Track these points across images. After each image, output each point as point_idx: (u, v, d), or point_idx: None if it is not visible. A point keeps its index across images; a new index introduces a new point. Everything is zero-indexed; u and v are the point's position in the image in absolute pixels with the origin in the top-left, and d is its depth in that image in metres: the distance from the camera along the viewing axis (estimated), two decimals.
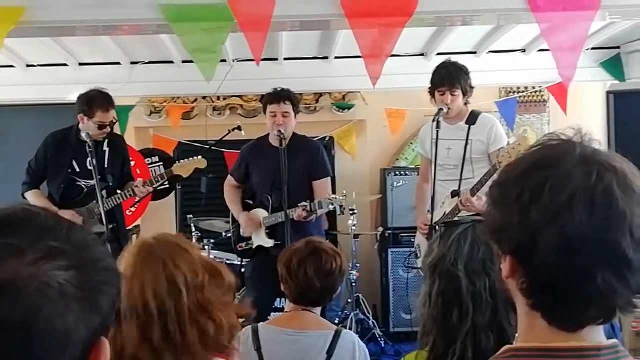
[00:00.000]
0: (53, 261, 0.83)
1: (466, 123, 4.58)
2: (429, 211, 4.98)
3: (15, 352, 0.79)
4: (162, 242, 1.94)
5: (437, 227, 4.58)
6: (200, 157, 5.30)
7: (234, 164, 5.60)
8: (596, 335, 1.20)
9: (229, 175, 5.51)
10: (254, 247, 5.23)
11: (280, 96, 5.11)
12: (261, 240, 5.18)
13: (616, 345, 1.21)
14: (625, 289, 1.14)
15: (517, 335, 1.29)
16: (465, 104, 4.72)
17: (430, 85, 4.74)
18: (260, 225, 5.18)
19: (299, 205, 4.86)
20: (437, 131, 4.51)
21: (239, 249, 5.34)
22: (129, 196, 5.14)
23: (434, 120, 4.56)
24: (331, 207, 4.88)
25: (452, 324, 1.90)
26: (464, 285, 1.90)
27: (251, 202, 5.33)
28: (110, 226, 4.98)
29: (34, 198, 5.08)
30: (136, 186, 5.08)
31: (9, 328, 0.79)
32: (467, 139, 4.56)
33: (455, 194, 4.55)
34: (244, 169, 5.35)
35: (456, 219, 4.17)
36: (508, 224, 1.18)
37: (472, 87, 4.70)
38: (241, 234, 5.30)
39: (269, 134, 5.22)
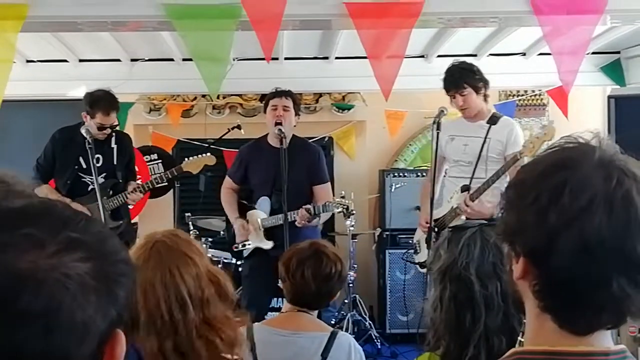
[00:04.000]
0: (72, 253, 0.83)
1: (487, 122, 4.53)
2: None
3: (36, 343, 0.79)
4: (171, 248, 1.91)
5: (437, 228, 4.59)
6: (209, 154, 5.34)
7: (231, 165, 5.55)
8: (604, 340, 1.19)
9: (227, 177, 5.41)
10: (251, 249, 5.19)
11: (282, 92, 5.12)
12: (259, 241, 5.13)
13: (624, 350, 1.20)
14: (639, 296, 1.14)
15: (520, 339, 1.28)
16: (485, 100, 4.67)
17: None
18: (255, 230, 5.13)
19: (303, 207, 4.83)
20: (438, 133, 4.49)
21: (234, 250, 5.29)
22: (122, 201, 5.16)
23: (434, 123, 4.54)
24: (337, 210, 4.90)
25: (465, 328, 1.89)
26: (476, 290, 1.90)
27: (246, 203, 5.28)
28: (120, 222, 5.07)
29: (44, 192, 5.09)
30: (130, 192, 5.12)
31: (30, 319, 0.79)
32: (485, 137, 4.51)
33: (465, 188, 4.51)
34: (243, 170, 5.28)
35: (462, 223, 4.14)
36: (524, 225, 1.17)
37: (485, 82, 4.64)
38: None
39: (267, 134, 5.20)
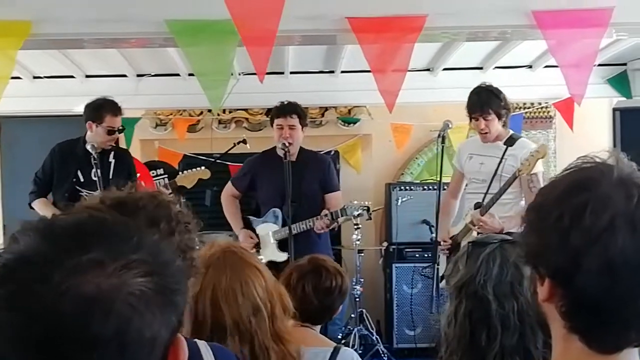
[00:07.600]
0: (132, 270, 0.84)
1: (504, 144, 4.56)
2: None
3: None
4: (242, 259, 1.93)
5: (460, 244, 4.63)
6: (203, 167, 5.34)
7: (236, 173, 5.61)
8: (631, 358, 1.19)
9: (229, 183, 5.47)
10: (264, 262, 5.19)
11: (286, 110, 5.12)
12: (271, 254, 5.14)
13: None
14: None
15: None
16: (504, 125, 4.67)
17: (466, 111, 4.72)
18: (266, 243, 5.18)
19: (321, 215, 4.94)
20: (443, 146, 4.61)
21: None
22: None
23: (439, 136, 4.62)
24: (356, 213, 5.05)
25: (481, 346, 1.87)
26: (493, 308, 1.88)
27: (254, 218, 5.31)
28: None
29: (41, 206, 5.12)
30: None
31: (104, 342, 0.81)
32: (502, 157, 4.54)
33: (477, 206, 4.55)
34: (248, 181, 5.35)
35: (483, 237, 4.18)
36: (546, 247, 1.17)
37: (507, 109, 4.65)
38: None
39: (275, 146, 5.20)
